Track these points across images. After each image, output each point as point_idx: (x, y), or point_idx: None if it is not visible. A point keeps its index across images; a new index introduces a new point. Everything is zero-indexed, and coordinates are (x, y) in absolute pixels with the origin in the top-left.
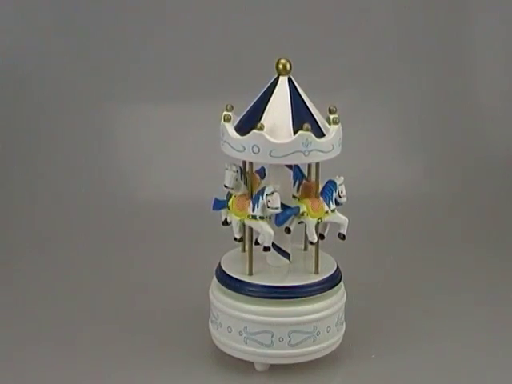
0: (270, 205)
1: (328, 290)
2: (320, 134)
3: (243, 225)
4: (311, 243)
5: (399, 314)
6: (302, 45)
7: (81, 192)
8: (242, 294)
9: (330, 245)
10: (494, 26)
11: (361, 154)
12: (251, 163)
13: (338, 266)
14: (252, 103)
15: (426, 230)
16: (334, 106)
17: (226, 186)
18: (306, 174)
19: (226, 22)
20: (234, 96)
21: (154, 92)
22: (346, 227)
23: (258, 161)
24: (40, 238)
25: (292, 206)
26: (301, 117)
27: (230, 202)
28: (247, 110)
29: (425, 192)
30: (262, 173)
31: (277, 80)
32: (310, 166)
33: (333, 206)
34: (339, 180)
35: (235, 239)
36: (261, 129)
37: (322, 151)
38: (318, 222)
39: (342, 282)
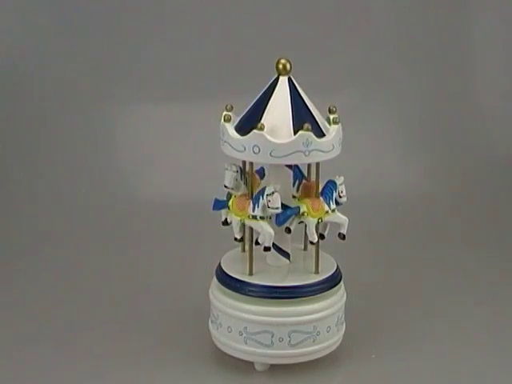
0: (270, 205)
1: (328, 289)
2: (320, 133)
3: (243, 225)
4: (311, 243)
5: (399, 314)
6: (301, 45)
7: (81, 192)
8: (242, 294)
9: (330, 245)
10: (494, 26)
11: (361, 154)
12: (251, 163)
13: (338, 266)
14: (252, 103)
15: (426, 230)
16: (334, 106)
17: (225, 186)
18: (305, 173)
19: (226, 21)
20: (234, 96)
21: (153, 92)
22: (346, 227)
23: (259, 161)
24: (40, 238)
25: (292, 206)
26: (301, 117)
27: (230, 202)
28: (247, 109)
29: (425, 192)
30: (261, 173)
31: (277, 80)
32: (309, 165)
33: (333, 206)
34: (339, 180)
35: (235, 239)
36: (261, 129)
37: (322, 151)
38: (318, 222)
39: (342, 282)
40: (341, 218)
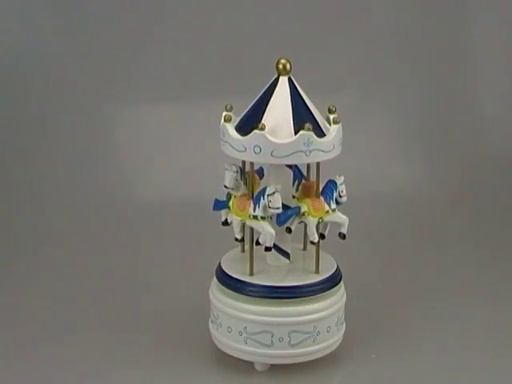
0: (271, 205)
1: (328, 290)
2: (321, 133)
3: (244, 225)
4: (312, 243)
5: (399, 314)
6: (301, 45)
7: (81, 192)
8: (243, 294)
9: (330, 245)
10: (494, 26)
11: (361, 153)
12: (252, 163)
13: (338, 266)
14: (252, 103)
15: (426, 230)
16: (334, 106)
17: (225, 187)
18: (304, 173)
19: (225, 22)
20: (234, 96)
21: (154, 92)
22: (346, 227)
23: (260, 161)
24: (40, 238)
25: (292, 205)
26: (301, 117)
27: (230, 203)
28: (247, 110)
29: (425, 192)
30: (260, 173)
31: (277, 80)
32: (308, 165)
33: (333, 206)
34: (339, 180)
35: (236, 239)
36: (262, 129)
37: (323, 151)
38: (318, 222)
39: (342, 282)
40: (341, 217)
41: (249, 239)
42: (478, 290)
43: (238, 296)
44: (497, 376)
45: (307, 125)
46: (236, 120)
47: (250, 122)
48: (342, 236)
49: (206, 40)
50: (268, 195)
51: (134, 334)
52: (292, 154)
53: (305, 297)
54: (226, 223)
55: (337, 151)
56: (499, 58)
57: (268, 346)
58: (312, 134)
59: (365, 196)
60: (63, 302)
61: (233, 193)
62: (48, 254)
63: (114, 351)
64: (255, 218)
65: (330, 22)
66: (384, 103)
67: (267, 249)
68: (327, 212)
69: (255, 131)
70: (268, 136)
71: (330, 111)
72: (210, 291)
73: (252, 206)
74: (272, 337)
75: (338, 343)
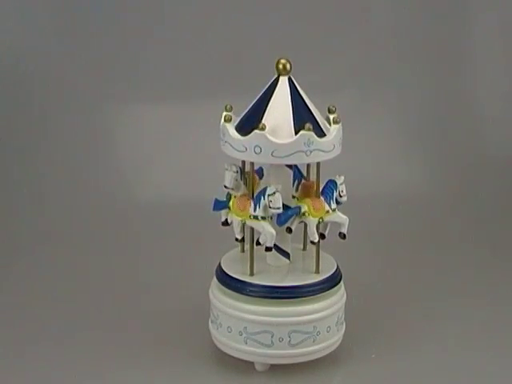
0: (271, 205)
1: (328, 289)
2: (321, 133)
3: (244, 225)
4: (312, 243)
5: (399, 314)
6: (302, 45)
7: (81, 192)
8: (243, 294)
9: (330, 245)
10: (494, 26)
11: (361, 153)
12: (252, 163)
13: (338, 266)
14: (252, 103)
15: (426, 230)
16: (334, 106)
17: (225, 187)
18: (304, 173)
19: (225, 21)
20: (234, 96)
21: (154, 92)
22: (346, 226)
23: (260, 161)
24: (40, 238)
25: (292, 205)
26: (301, 117)
27: (230, 203)
28: (247, 110)
29: (425, 192)
30: (260, 173)
31: (277, 80)
32: (308, 165)
33: (333, 206)
34: (340, 179)
35: (236, 239)
36: (262, 129)
37: (323, 151)
38: (319, 222)
39: (342, 282)
40: (341, 217)
41: (249, 239)
42: (477, 290)
43: (238, 296)
44: (497, 376)
45: (308, 125)
46: (236, 120)
47: (250, 122)
48: (343, 236)
49: (206, 40)
50: (268, 195)
51: (134, 334)
52: (292, 154)
53: (305, 297)
54: (225, 223)
55: (337, 151)
56: (499, 58)
57: (268, 346)
58: (312, 133)
59: (365, 196)
60: (63, 301)
61: (233, 193)
62: (48, 254)
63: (114, 351)
64: (256, 218)
65: (330, 22)
66: (384, 103)
67: (268, 249)
68: (327, 212)
69: (256, 131)
70: (268, 136)
71: (329, 111)
72: (210, 291)
73: (252, 206)
74: (272, 337)
75: (337, 343)
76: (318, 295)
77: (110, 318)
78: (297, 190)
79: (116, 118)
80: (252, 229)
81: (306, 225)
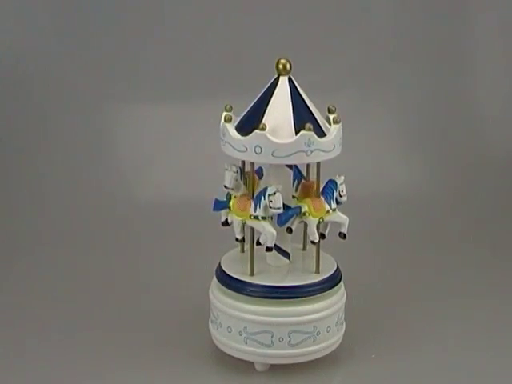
0: (272, 205)
1: (328, 289)
2: (321, 133)
3: (244, 225)
4: (313, 242)
5: (399, 314)
6: (302, 45)
7: (81, 192)
8: (243, 294)
9: (330, 245)
10: (494, 26)
11: (361, 153)
12: (252, 163)
13: (338, 266)
14: (252, 103)
15: (426, 230)
16: (333, 106)
17: (225, 187)
18: (304, 173)
19: (225, 21)
20: (234, 96)
21: (154, 92)
22: (346, 226)
23: (261, 161)
24: (40, 238)
25: (293, 205)
26: (302, 117)
27: (231, 203)
28: (247, 110)
29: (425, 192)
30: (259, 173)
31: (277, 80)
32: (308, 165)
33: (334, 206)
34: (340, 179)
35: (237, 240)
36: (263, 129)
37: (323, 151)
38: (319, 222)
39: (342, 282)
40: (341, 217)
41: (249, 239)
42: (478, 290)
43: (238, 296)
44: (497, 376)
45: (308, 125)
46: (236, 120)
47: (251, 122)
48: (343, 236)
49: (206, 40)
50: (269, 195)
51: (134, 334)
52: (293, 154)
53: (305, 297)
54: (225, 223)
55: (337, 151)
56: (499, 57)
57: (268, 346)
58: (313, 133)
59: (365, 196)
60: (63, 301)
61: (233, 193)
62: (48, 254)
63: (114, 351)
64: (256, 218)
65: (330, 22)
66: (384, 103)
67: (268, 249)
68: (327, 212)
69: (256, 131)
70: (269, 136)
71: (329, 111)
72: (210, 291)
73: (253, 206)
74: (272, 337)
75: (337, 343)
76: (318, 295)
77: (109, 318)
78: (296, 189)
79: (116, 118)
80: (252, 229)
81: (305, 225)
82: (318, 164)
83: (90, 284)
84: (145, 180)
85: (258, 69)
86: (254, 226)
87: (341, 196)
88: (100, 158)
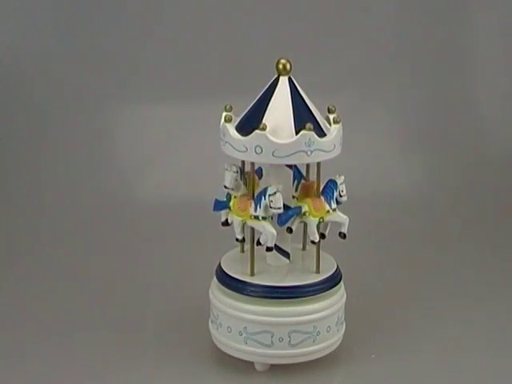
0: (272, 205)
1: (328, 289)
2: (321, 133)
3: (244, 225)
4: (313, 242)
5: (399, 314)
6: (302, 45)
7: (81, 192)
8: (243, 294)
9: (330, 245)
10: (494, 26)
11: (361, 153)
12: (253, 164)
13: (338, 266)
14: (252, 103)
15: (426, 230)
16: (333, 106)
17: (225, 187)
18: (304, 173)
19: (226, 21)
20: (234, 96)
21: (154, 92)
22: (346, 226)
23: (261, 161)
24: (40, 238)
25: (293, 205)
26: (302, 117)
27: (231, 203)
28: (247, 110)
29: (425, 192)
30: (259, 173)
31: (277, 80)
32: (308, 165)
33: (334, 205)
34: (340, 179)
35: (237, 240)
36: (263, 129)
37: (324, 151)
38: (319, 222)
39: (342, 282)
40: (341, 217)
41: (249, 239)
42: (477, 290)
43: (238, 296)
44: (497, 376)
45: (308, 125)
46: (236, 120)
47: (251, 122)
48: (343, 235)
49: (206, 40)
50: (269, 195)
51: (134, 334)
52: (293, 153)
53: (305, 297)
54: (225, 223)
55: (337, 151)
56: (499, 57)
57: (268, 346)
58: (313, 133)
59: (365, 196)
60: (63, 301)
61: (233, 193)
62: (48, 253)
63: (114, 351)
64: (256, 218)
65: (330, 22)
66: (384, 103)
67: (268, 249)
68: (328, 212)
69: (256, 131)
70: (269, 136)
71: (329, 111)
72: (210, 291)
73: (253, 206)
74: (272, 337)
75: (337, 343)
76: (318, 295)
77: (109, 318)
78: (296, 189)
79: (116, 118)
80: (252, 229)
81: (305, 225)
82: (318, 164)
83: (89, 284)
84: (145, 180)
85: (258, 69)
86: (254, 226)
87: (341, 196)
88: (100, 158)
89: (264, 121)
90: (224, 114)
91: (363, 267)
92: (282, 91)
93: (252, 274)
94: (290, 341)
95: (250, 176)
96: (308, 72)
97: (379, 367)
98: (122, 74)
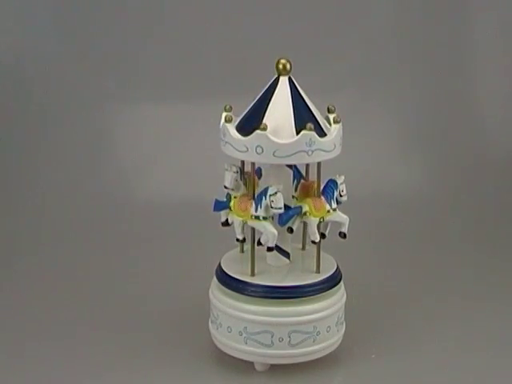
0: (273, 205)
1: (328, 289)
2: (322, 133)
3: (244, 225)
4: (313, 242)
5: (399, 314)
6: (302, 45)
7: (81, 192)
8: (243, 294)
9: (330, 245)
10: (494, 26)
11: (361, 153)
12: (253, 164)
13: (338, 266)
14: (252, 103)
15: (426, 230)
16: (333, 106)
17: (225, 187)
18: (303, 173)
19: (226, 21)
20: (234, 96)
21: (154, 92)
22: (347, 226)
23: (262, 161)
24: (40, 238)
25: (293, 205)
26: (302, 117)
27: (231, 203)
28: (247, 110)
29: (425, 192)
30: (258, 173)
31: (277, 80)
32: (307, 165)
33: (334, 205)
34: (340, 179)
35: (237, 240)
36: (264, 129)
37: (324, 150)
38: (319, 222)
39: (341, 282)
40: (342, 216)
41: (250, 239)
42: (477, 290)
43: (238, 296)
44: (497, 376)
45: (309, 125)
46: (236, 120)
47: (251, 122)
48: (343, 235)
49: (206, 40)
50: (270, 195)
51: (134, 333)
52: (294, 153)
53: (305, 297)
54: (226, 224)
55: (337, 151)
56: (499, 57)
57: (268, 346)
58: (314, 133)
59: (365, 196)
60: (63, 301)
61: (233, 193)
62: (48, 253)
63: (113, 351)
64: (257, 218)
65: (330, 22)
66: (384, 103)
67: (269, 249)
68: (328, 211)
69: (257, 131)
70: (270, 136)
71: (329, 111)
72: (210, 291)
73: (254, 206)
74: (272, 337)
75: (338, 343)
76: (318, 295)
77: (109, 318)
78: (296, 189)
79: (116, 118)
80: (253, 229)
81: (305, 225)
82: (319, 164)
83: (90, 284)
84: (145, 180)
85: (258, 69)
86: (255, 226)
87: (341, 196)
88: (100, 157)
89: (264, 121)
90: (224, 114)
91: (363, 267)
92: (282, 91)
93: (252, 274)
94: (290, 341)
95: (249, 176)
96: (308, 72)
97: (379, 367)
98: (122, 73)
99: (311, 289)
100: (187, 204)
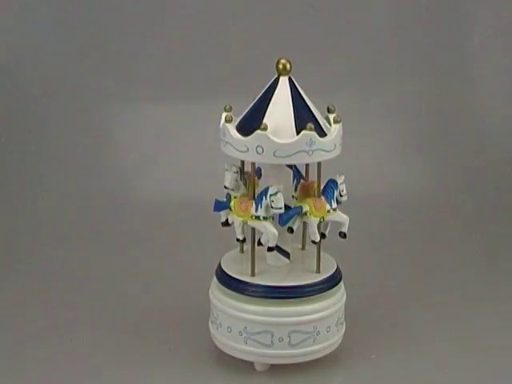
0: (273, 205)
1: (328, 289)
2: (322, 133)
3: (244, 225)
4: (314, 242)
5: (399, 314)
6: (302, 45)
7: (81, 192)
8: (243, 294)
9: (330, 244)
10: (494, 26)
11: (361, 153)
12: (253, 164)
13: (338, 266)
14: (252, 103)
15: (426, 230)
16: (333, 106)
17: (225, 187)
18: (303, 173)
19: (226, 21)
20: (234, 96)
21: (154, 91)
22: (347, 226)
23: (262, 161)
24: (40, 238)
25: (293, 205)
26: (302, 117)
27: (231, 204)
28: (248, 110)
29: (424, 192)
30: (258, 173)
31: (277, 80)
32: (307, 165)
33: (334, 205)
34: (340, 179)
35: (238, 240)
36: (264, 129)
37: (324, 150)
38: (320, 222)
39: (341, 282)
40: (342, 216)
41: (250, 239)
42: (477, 290)
43: (239, 296)
44: (497, 376)
45: (309, 125)
46: (236, 120)
47: (251, 123)
48: (343, 235)
49: (207, 40)
50: (270, 195)
51: (134, 333)
52: (294, 153)
53: (305, 297)
54: (226, 224)
55: (337, 151)
56: (499, 58)
57: (268, 346)
58: (314, 133)
59: (365, 196)
60: (63, 301)
61: (233, 193)
62: (48, 254)
63: (113, 351)
64: (257, 218)
65: (330, 22)
66: (384, 103)
67: (270, 249)
68: (328, 211)
69: (257, 131)
70: (270, 136)
71: (329, 111)
72: (210, 291)
73: (254, 206)
74: (272, 337)
75: (338, 343)
76: (318, 295)
77: (109, 317)
78: (296, 189)
79: (116, 118)
80: (253, 229)
81: (305, 224)
82: (319, 164)
83: (89, 284)
84: (145, 180)
85: (258, 69)
86: (255, 227)
87: (341, 195)
88: (100, 158)
89: (264, 121)
90: (224, 114)
91: (363, 267)
92: (283, 91)
93: (252, 274)
94: (289, 341)
95: (249, 176)
96: (308, 72)
97: (379, 367)
98: (122, 73)
99: (311, 289)
100: (187, 204)
